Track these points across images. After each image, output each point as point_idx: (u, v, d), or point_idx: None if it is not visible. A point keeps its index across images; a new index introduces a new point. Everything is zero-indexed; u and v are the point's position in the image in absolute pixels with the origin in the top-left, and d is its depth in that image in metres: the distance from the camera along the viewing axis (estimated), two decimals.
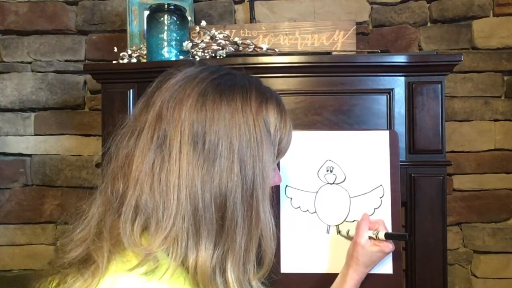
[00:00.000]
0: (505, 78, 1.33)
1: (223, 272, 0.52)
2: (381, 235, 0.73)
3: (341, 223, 0.82)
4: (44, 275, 0.54)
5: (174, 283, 0.49)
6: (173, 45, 0.95)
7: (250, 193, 0.53)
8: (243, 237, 0.53)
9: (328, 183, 0.83)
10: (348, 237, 0.80)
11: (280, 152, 0.60)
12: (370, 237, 0.74)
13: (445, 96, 0.90)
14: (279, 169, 0.68)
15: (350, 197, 0.83)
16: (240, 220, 0.52)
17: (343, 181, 0.83)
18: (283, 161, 0.83)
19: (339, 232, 0.82)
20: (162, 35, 0.95)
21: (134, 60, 1.03)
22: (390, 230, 0.78)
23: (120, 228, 0.50)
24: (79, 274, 0.50)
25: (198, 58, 0.93)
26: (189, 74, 0.58)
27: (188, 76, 0.57)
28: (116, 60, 1.04)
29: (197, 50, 0.96)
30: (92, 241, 0.51)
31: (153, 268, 0.48)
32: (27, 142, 1.39)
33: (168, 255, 0.50)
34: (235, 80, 0.59)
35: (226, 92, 0.55)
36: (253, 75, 0.63)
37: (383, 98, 0.90)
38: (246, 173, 0.53)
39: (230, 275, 0.52)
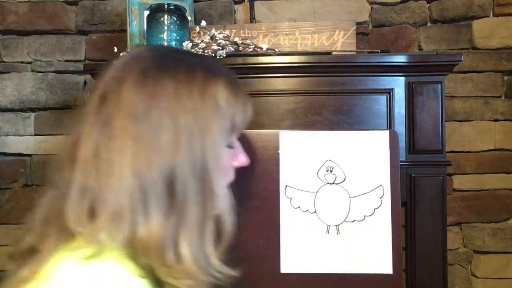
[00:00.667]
0: (505, 78, 1.33)
1: (176, 246, 0.51)
2: None
3: (341, 223, 0.82)
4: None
5: (118, 266, 0.49)
6: (173, 45, 0.95)
7: (201, 167, 0.52)
8: (196, 212, 0.52)
9: (328, 183, 0.83)
10: None
11: (234, 128, 0.58)
12: None
13: (445, 96, 0.90)
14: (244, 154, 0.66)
15: (350, 197, 0.83)
16: (192, 194, 0.51)
17: (343, 181, 0.83)
18: (283, 161, 0.83)
19: None
20: (162, 35, 0.95)
21: None
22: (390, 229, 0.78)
23: (65, 213, 0.49)
24: (26, 264, 0.50)
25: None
26: (131, 54, 0.57)
27: (130, 56, 0.57)
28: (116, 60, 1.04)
29: (197, 50, 0.96)
30: (39, 230, 0.51)
31: (98, 250, 0.48)
32: (27, 142, 1.39)
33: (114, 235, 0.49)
34: (179, 57, 0.58)
35: (169, 67, 0.54)
36: (204, 54, 0.62)
37: (383, 98, 0.90)
38: (194, 146, 0.52)
39: (184, 250, 0.51)
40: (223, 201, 0.56)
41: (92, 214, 0.50)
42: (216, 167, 0.54)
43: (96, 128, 0.51)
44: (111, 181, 0.49)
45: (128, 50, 1.06)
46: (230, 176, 0.63)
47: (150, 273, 0.51)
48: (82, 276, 0.47)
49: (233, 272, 0.58)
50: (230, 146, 0.61)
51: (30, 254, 0.51)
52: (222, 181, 0.56)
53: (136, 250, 0.50)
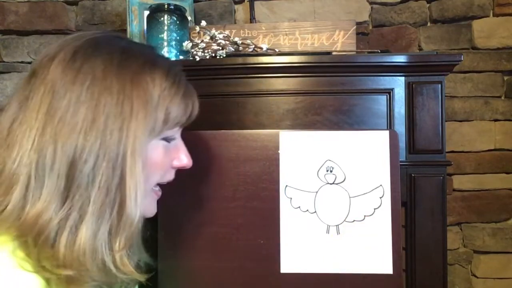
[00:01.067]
0: (505, 78, 1.33)
1: (71, 232, 0.48)
2: None
3: (341, 223, 0.82)
4: None
5: (6, 258, 0.47)
6: (173, 45, 0.95)
7: (115, 154, 0.50)
8: (100, 200, 0.49)
9: (328, 183, 0.83)
10: None
11: (169, 122, 0.56)
12: None
13: (445, 96, 0.90)
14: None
15: (350, 197, 0.83)
16: (98, 180, 0.49)
17: (343, 181, 0.83)
18: (283, 161, 0.83)
19: None
20: (162, 35, 0.95)
21: None
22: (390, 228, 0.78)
23: None
24: None
25: (198, 58, 0.93)
26: (70, 36, 0.56)
27: (70, 36, 0.56)
28: None
29: (197, 50, 0.96)
30: None
31: None
32: None
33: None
34: (118, 41, 0.56)
35: (102, 48, 0.53)
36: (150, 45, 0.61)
37: (383, 98, 0.90)
38: (111, 130, 0.49)
39: (78, 238, 0.48)
40: (139, 197, 0.52)
41: None
42: (134, 158, 0.51)
43: (18, 102, 0.51)
44: (12, 153, 0.48)
45: None
46: (166, 176, 0.61)
47: (41, 266, 0.48)
48: None
49: (138, 276, 0.55)
50: (166, 140, 0.58)
51: None
52: (136, 173, 0.51)
53: (22, 231, 0.47)
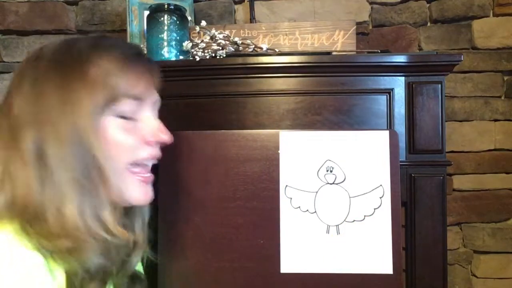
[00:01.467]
0: (505, 78, 1.33)
1: (59, 212, 0.52)
2: None
3: (341, 223, 0.82)
4: None
5: (10, 238, 0.50)
6: (173, 45, 0.95)
7: (74, 135, 0.54)
8: (71, 178, 0.53)
9: (328, 183, 0.83)
10: None
11: (118, 96, 0.57)
12: None
13: (445, 96, 0.90)
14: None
15: (350, 197, 0.83)
16: (66, 162, 0.53)
17: (343, 181, 0.83)
18: (283, 161, 0.83)
19: None
20: (162, 35, 0.95)
21: None
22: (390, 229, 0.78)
23: None
24: None
25: (198, 58, 0.93)
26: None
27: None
28: None
29: (197, 50, 0.96)
30: None
31: None
32: None
33: None
34: (69, 40, 0.62)
35: (52, 49, 0.59)
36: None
37: (383, 98, 0.90)
38: (61, 114, 0.54)
39: (67, 214, 0.52)
40: (107, 171, 0.56)
41: None
42: (88, 135, 0.54)
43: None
44: None
45: None
46: (139, 153, 0.60)
47: (40, 244, 0.51)
48: None
49: (127, 235, 0.59)
50: (124, 118, 0.59)
51: None
52: (112, 155, 0.56)
53: (17, 214, 0.52)
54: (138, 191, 0.61)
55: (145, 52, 0.99)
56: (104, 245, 0.55)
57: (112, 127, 0.57)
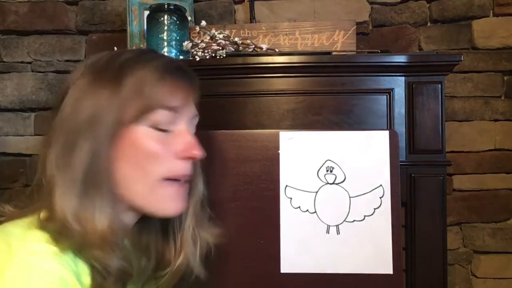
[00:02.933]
0: (505, 78, 1.33)
1: (91, 219, 0.53)
2: None
3: (341, 223, 0.82)
4: None
5: (40, 242, 0.51)
6: (173, 45, 0.95)
7: (102, 144, 0.54)
8: (99, 185, 0.54)
9: (328, 183, 0.83)
10: None
11: (151, 107, 0.57)
12: None
13: (445, 96, 0.90)
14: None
15: (350, 197, 0.83)
16: (94, 170, 0.54)
17: (343, 181, 0.83)
18: (283, 161, 0.83)
19: None
20: (162, 35, 0.95)
21: None
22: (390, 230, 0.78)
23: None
24: None
25: (198, 58, 0.93)
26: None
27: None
28: None
29: (197, 50, 0.96)
30: None
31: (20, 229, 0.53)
32: (27, 142, 1.39)
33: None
34: (114, 55, 0.61)
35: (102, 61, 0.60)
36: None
37: (383, 98, 0.90)
38: (93, 128, 0.55)
39: (98, 221, 0.53)
40: (146, 180, 0.57)
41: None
42: (114, 145, 0.55)
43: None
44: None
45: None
46: (173, 168, 0.59)
47: (74, 253, 0.53)
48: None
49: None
50: (158, 130, 0.58)
51: None
52: (146, 168, 0.57)
53: (51, 226, 0.52)
54: (171, 204, 0.61)
55: None
56: (126, 251, 0.57)
57: (145, 137, 0.57)
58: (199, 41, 0.98)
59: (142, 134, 0.57)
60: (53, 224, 0.52)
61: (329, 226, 0.82)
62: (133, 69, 0.57)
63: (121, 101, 0.55)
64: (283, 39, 1.05)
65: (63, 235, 0.52)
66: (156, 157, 0.58)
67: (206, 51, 0.95)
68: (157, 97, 0.57)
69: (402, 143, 0.88)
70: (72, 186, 0.53)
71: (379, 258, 0.81)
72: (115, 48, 1.11)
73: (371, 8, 1.35)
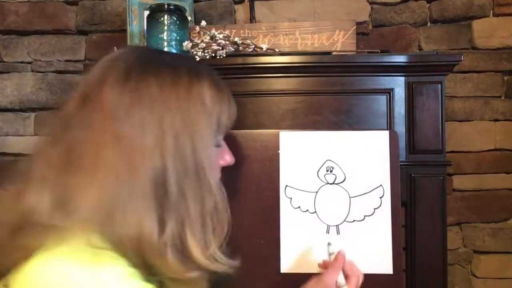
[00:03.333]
0: (505, 78, 1.33)
1: (182, 242, 0.51)
2: None
3: (341, 223, 0.82)
4: None
5: (121, 270, 0.47)
6: (173, 45, 0.95)
7: (194, 166, 0.52)
8: (195, 208, 0.52)
9: (328, 183, 0.83)
10: (328, 258, 0.76)
11: (220, 126, 0.58)
12: (336, 282, 0.68)
13: (445, 96, 0.90)
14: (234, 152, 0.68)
15: (350, 197, 0.83)
16: (189, 192, 0.51)
17: (343, 181, 0.83)
18: (283, 161, 0.83)
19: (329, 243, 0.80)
20: (162, 35, 0.95)
21: None
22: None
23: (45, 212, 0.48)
24: (8, 258, 0.48)
25: (198, 58, 0.93)
26: (114, 55, 0.57)
27: (113, 56, 0.56)
28: None
29: (197, 50, 0.96)
30: (16, 225, 0.49)
31: (93, 253, 0.46)
32: (27, 142, 1.39)
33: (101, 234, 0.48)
34: (163, 57, 0.57)
35: (152, 67, 0.54)
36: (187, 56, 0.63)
37: (383, 98, 0.90)
38: (183, 147, 0.51)
39: (190, 244, 0.51)
40: (219, 196, 0.56)
41: (74, 214, 0.47)
42: (209, 165, 0.54)
43: (76, 129, 0.50)
44: (92, 182, 0.48)
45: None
46: (218, 175, 0.63)
47: (145, 271, 0.50)
48: (84, 279, 0.45)
49: (233, 262, 0.59)
50: (217, 145, 0.61)
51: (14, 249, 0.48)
52: (213, 176, 0.56)
53: (127, 250, 0.48)
54: None
55: None
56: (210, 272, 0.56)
57: (214, 157, 0.59)
58: (199, 41, 0.98)
59: (212, 154, 0.58)
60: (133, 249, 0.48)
61: (329, 226, 0.82)
62: (204, 88, 0.56)
63: (204, 120, 0.55)
64: (283, 39, 1.05)
65: (147, 259, 0.49)
66: (215, 170, 0.61)
67: (206, 51, 0.95)
68: (227, 120, 0.59)
69: (402, 143, 0.88)
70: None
71: (379, 258, 0.81)
72: (115, 49, 1.12)
73: (371, 8, 1.35)
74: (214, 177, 0.56)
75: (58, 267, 0.46)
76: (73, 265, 0.45)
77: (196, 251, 0.52)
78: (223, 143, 0.64)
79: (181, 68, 0.56)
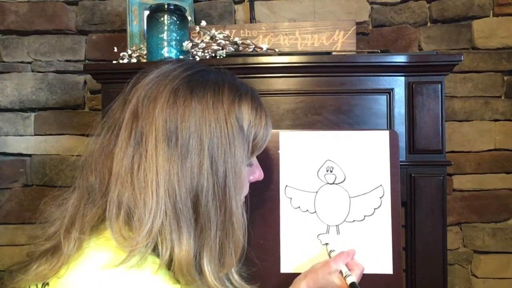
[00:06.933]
0: (505, 78, 1.33)
1: (200, 265, 0.54)
2: (349, 279, 0.68)
3: (341, 223, 0.82)
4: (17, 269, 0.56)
5: (163, 277, 0.52)
6: (173, 45, 0.95)
7: (223, 189, 0.55)
8: (217, 232, 0.55)
9: (328, 183, 0.83)
10: (328, 255, 0.79)
11: (255, 147, 0.61)
12: (340, 271, 0.70)
13: (445, 96, 0.90)
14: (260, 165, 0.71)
15: (350, 197, 0.83)
16: (213, 215, 0.54)
17: (343, 181, 0.83)
18: (283, 161, 0.83)
19: (326, 244, 0.81)
20: (162, 35, 0.95)
21: (134, 60, 1.03)
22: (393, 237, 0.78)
23: (107, 224, 0.52)
24: (44, 261, 0.52)
25: (198, 58, 0.93)
26: (163, 71, 0.59)
27: (162, 74, 0.59)
28: (116, 60, 1.04)
29: (197, 50, 0.96)
30: (64, 231, 0.53)
31: (140, 262, 0.50)
32: (27, 142, 1.39)
33: (151, 250, 0.52)
34: (207, 77, 0.60)
35: (197, 89, 0.57)
36: (228, 72, 0.64)
37: (383, 98, 0.90)
38: (217, 169, 0.54)
39: (207, 268, 0.54)
40: (239, 220, 0.58)
41: (127, 226, 0.52)
42: (236, 187, 0.56)
43: (131, 144, 0.54)
44: (148, 199, 0.52)
45: (131, 50, 1.06)
46: (246, 191, 0.66)
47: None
48: (114, 282, 0.49)
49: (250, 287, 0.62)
50: (249, 165, 0.64)
51: (51, 254, 0.53)
52: (239, 201, 0.59)
53: (170, 266, 0.52)
54: None
55: (145, 52, 0.99)
56: None
57: (246, 176, 0.63)
58: (199, 41, 0.98)
59: (245, 174, 0.62)
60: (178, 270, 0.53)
61: (329, 226, 0.82)
62: (242, 113, 0.59)
63: (240, 144, 0.57)
64: (283, 39, 1.05)
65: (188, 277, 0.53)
66: (245, 188, 0.64)
67: (206, 51, 0.95)
68: (263, 141, 0.62)
69: (402, 143, 0.88)
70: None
71: (379, 258, 0.81)
72: (115, 49, 1.12)
73: (371, 8, 1.35)
74: (238, 197, 0.58)
75: (112, 276, 0.50)
76: (123, 272, 0.50)
77: (209, 275, 0.54)
78: (255, 160, 0.67)
79: (223, 90, 0.58)
